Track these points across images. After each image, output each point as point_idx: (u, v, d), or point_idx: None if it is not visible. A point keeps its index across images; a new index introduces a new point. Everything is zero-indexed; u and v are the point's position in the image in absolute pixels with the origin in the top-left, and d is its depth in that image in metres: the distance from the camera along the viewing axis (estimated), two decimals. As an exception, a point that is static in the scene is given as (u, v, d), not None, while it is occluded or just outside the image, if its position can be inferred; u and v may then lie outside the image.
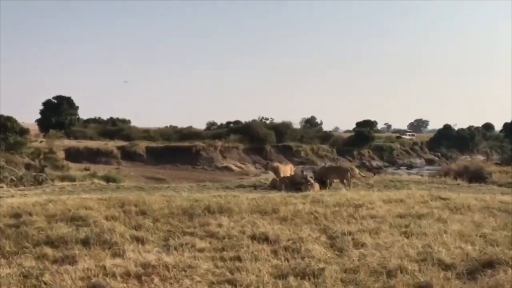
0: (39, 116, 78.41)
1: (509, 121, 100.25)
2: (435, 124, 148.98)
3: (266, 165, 21.20)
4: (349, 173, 16.83)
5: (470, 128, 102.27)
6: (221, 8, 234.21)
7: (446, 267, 6.51)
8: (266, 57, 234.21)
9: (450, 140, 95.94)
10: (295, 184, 16.18)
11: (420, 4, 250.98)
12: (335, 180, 17.14)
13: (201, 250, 7.41)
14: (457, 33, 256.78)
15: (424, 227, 8.64)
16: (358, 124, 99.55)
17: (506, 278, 5.85)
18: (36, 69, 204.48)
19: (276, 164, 19.46)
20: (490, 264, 6.46)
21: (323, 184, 16.32)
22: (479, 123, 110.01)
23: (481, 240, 7.82)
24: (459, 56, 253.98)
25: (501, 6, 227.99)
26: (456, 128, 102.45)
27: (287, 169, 18.03)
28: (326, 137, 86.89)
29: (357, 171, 18.09)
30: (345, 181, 16.57)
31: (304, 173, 17.53)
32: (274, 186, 16.22)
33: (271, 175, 18.78)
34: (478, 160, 52.65)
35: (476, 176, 20.71)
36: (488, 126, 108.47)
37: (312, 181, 15.88)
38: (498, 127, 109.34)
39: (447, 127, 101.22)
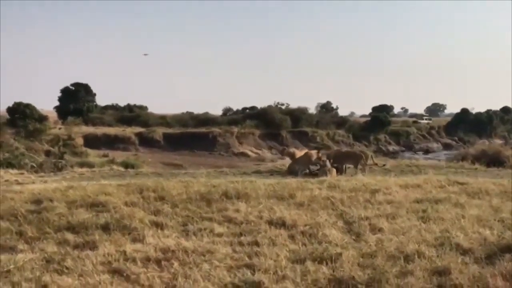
0: (57, 103, 79.12)
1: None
2: (452, 108, 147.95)
3: (283, 151, 21.14)
4: (363, 159, 16.70)
5: (487, 111, 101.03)
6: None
7: (464, 251, 6.50)
8: (281, 42, 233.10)
9: (467, 124, 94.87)
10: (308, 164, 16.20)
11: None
12: (349, 166, 17.00)
13: (219, 235, 7.49)
14: (474, 16, 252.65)
15: (441, 212, 8.63)
16: (374, 108, 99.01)
17: (524, 262, 5.84)
18: (54, 56, 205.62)
19: (292, 149, 19.43)
20: (508, 249, 6.44)
21: (337, 169, 16.20)
22: (497, 107, 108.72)
23: (499, 224, 7.80)
24: (476, 41, 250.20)
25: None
26: (473, 112, 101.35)
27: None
28: (342, 122, 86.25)
29: (369, 154, 17.88)
30: (359, 166, 16.46)
31: (319, 154, 17.29)
32: (291, 171, 16.22)
33: (287, 161, 18.76)
34: (496, 144, 52.11)
35: (494, 160, 20.46)
36: (506, 110, 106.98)
37: (329, 165, 15.82)
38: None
39: (464, 111, 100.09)
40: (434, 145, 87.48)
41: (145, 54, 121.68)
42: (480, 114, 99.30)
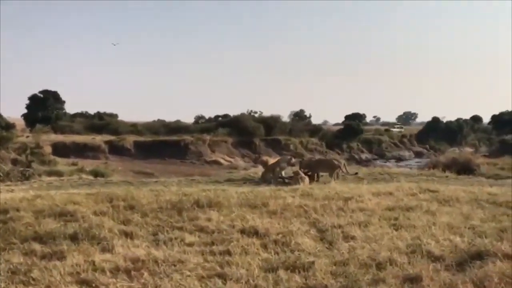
0: (25, 111, 77.87)
1: (497, 113, 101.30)
2: (423, 117, 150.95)
3: (257, 159, 21.07)
4: (339, 168, 16.65)
5: (458, 120, 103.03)
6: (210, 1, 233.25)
7: (435, 259, 6.52)
8: (254, 50, 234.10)
9: (438, 133, 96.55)
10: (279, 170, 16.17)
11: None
12: (322, 174, 16.92)
13: (190, 245, 7.37)
14: (445, 27, 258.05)
15: (413, 219, 8.67)
16: (347, 117, 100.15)
17: (494, 269, 5.88)
18: (22, 63, 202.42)
19: (266, 158, 19.38)
20: (478, 256, 6.49)
21: (310, 177, 16.14)
22: (467, 116, 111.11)
23: (469, 232, 7.86)
24: (447, 50, 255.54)
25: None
26: (444, 120, 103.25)
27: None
28: (315, 130, 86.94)
29: (343, 162, 17.84)
30: (334, 175, 16.41)
31: (292, 160, 17.27)
32: (264, 180, 16.18)
33: (260, 169, 18.71)
34: (467, 152, 53.03)
35: (464, 168, 20.84)
36: (476, 118, 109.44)
37: (302, 174, 15.80)
38: (486, 119, 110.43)
39: (435, 120, 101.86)
40: (406, 153, 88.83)
41: (114, 44, 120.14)
42: (451, 123, 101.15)
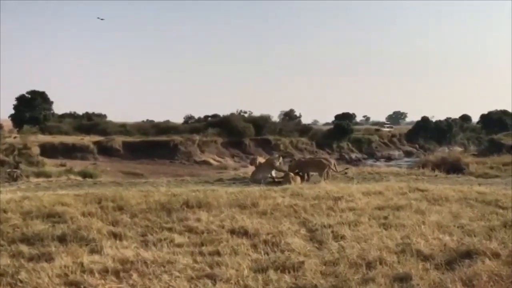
0: (12, 112, 77.16)
1: (485, 112, 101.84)
2: (413, 116, 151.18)
3: (252, 160, 20.86)
4: (329, 167, 16.65)
5: (447, 119, 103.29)
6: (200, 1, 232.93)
7: (424, 258, 6.54)
8: (244, 50, 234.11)
9: (428, 132, 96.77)
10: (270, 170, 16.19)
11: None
12: (313, 174, 16.92)
13: (179, 245, 7.34)
14: (435, 28, 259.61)
15: (402, 218, 8.70)
16: (337, 117, 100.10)
17: (483, 268, 5.90)
18: (9, 63, 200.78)
19: (260, 159, 19.33)
20: (468, 255, 6.52)
21: (301, 177, 16.15)
22: (456, 115, 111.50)
23: (458, 230, 7.90)
24: (437, 50, 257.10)
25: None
26: (433, 120, 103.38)
27: None
28: (305, 130, 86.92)
29: (333, 162, 17.84)
30: (324, 174, 16.41)
31: (280, 158, 17.29)
32: (254, 180, 16.16)
33: (250, 169, 18.68)
34: (456, 151, 53.26)
35: (453, 168, 20.90)
36: (465, 118, 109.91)
37: (292, 174, 15.82)
38: (475, 118, 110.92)
39: (425, 119, 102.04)
40: (396, 153, 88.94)
41: (101, 19, 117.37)
42: (440, 122, 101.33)
